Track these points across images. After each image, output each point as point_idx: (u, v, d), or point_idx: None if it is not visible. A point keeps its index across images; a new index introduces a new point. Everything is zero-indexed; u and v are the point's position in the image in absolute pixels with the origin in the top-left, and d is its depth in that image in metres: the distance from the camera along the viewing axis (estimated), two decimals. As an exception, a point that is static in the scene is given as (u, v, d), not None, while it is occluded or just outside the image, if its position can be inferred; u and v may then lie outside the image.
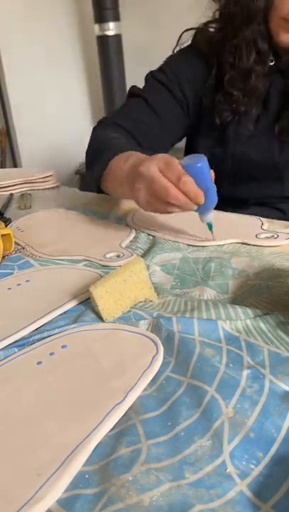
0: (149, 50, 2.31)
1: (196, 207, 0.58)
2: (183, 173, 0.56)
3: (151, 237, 0.70)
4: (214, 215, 0.64)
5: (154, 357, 0.40)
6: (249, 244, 0.64)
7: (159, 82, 0.86)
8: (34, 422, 0.35)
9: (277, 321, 0.45)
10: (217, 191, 0.61)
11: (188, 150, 0.94)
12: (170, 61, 0.89)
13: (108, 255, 0.64)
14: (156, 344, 0.42)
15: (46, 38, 2.34)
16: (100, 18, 2.17)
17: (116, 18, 2.19)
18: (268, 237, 0.65)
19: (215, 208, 0.62)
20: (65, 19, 2.41)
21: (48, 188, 1.05)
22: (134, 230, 0.72)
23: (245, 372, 0.38)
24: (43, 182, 1.06)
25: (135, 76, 2.48)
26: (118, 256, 0.64)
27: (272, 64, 0.79)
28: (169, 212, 0.60)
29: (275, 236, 0.65)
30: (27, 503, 0.28)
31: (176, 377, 0.38)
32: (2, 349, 0.45)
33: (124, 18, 2.24)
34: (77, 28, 2.47)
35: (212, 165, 0.59)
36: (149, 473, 0.30)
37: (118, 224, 0.77)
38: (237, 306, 0.47)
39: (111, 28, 2.18)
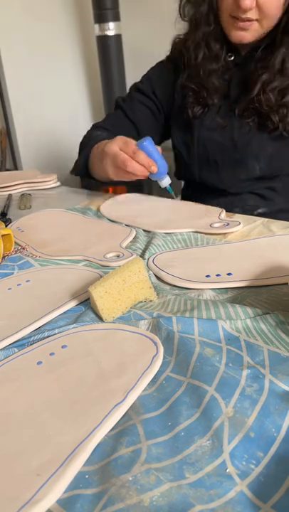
0: (149, 50, 2.31)
1: (148, 173, 0.78)
2: (136, 149, 0.76)
3: (148, 235, 0.70)
4: (177, 205, 0.83)
5: (154, 357, 0.40)
6: (201, 233, 0.70)
7: (137, 90, 1.01)
8: (34, 422, 0.35)
9: (277, 321, 0.45)
10: (191, 178, 0.91)
11: (173, 144, 1.03)
12: (148, 72, 1.04)
13: (108, 255, 0.64)
14: (156, 344, 0.42)
15: (46, 38, 2.34)
16: (100, 18, 2.17)
17: (116, 18, 2.18)
18: (219, 227, 0.71)
19: (194, 199, 0.82)
20: (65, 19, 2.41)
21: (48, 188, 1.05)
22: (134, 230, 0.72)
23: (245, 372, 0.38)
24: (43, 182, 1.06)
25: (135, 76, 2.47)
26: (118, 256, 0.64)
27: (231, 59, 0.88)
28: (131, 179, 0.81)
29: (226, 224, 0.72)
30: (27, 503, 0.28)
31: (176, 377, 0.38)
32: (2, 349, 0.45)
33: (124, 18, 2.23)
34: (77, 28, 2.47)
35: (186, 152, 0.93)
36: (149, 473, 0.30)
37: (118, 224, 0.77)
38: (237, 306, 0.47)
39: (111, 28, 2.18)
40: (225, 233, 0.70)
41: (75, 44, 2.49)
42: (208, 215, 0.76)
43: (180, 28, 0.92)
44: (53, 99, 2.45)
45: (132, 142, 0.77)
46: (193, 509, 0.27)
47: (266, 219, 0.74)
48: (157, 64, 1.02)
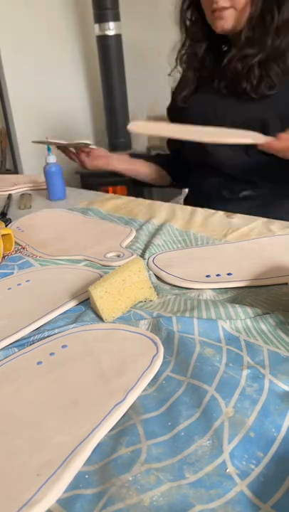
0: (149, 50, 2.31)
1: None
2: None
3: (148, 234, 0.70)
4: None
5: (154, 357, 0.40)
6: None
7: None
8: (34, 422, 0.35)
9: (277, 321, 0.45)
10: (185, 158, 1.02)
11: None
12: None
13: (108, 255, 0.64)
14: (156, 344, 0.42)
15: (46, 38, 2.34)
16: (100, 18, 2.17)
17: (116, 18, 2.18)
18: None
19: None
20: (65, 19, 2.41)
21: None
22: (134, 230, 0.72)
23: (245, 372, 0.38)
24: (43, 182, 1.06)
25: (135, 76, 2.47)
26: (118, 256, 0.64)
27: (225, 50, 0.95)
28: None
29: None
30: (27, 503, 0.28)
31: (176, 377, 0.38)
32: (2, 349, 0.45)
33: (124, 18, 2.23)
34: (77, 28, 2.47)
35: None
36: (149, 473, 0.30)
37: (118, 224, 0.77)
38: (237, 306, 0.47)
39: (111, 28, 2.18)
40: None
41: (75, 44, 2.49)
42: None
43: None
44: (53, 99, 2.45)
45: None
46: (193, 509, 0.27)
47: (266, 219, 0.74)
48: None
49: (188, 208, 0.86)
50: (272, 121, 0.88)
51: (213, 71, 0.97)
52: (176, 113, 1.02)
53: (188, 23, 0.95)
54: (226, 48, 0.95)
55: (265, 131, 0.85)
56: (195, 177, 1.03)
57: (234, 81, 0.90)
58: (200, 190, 1.01)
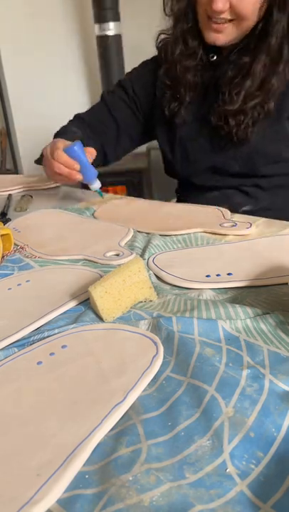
0: (149, 50, 2.31)
1: (79, 176, 0.80)
2: (56, 150, 0.78)
3: (147, 235, 0.71)
4: (178, 207, 0.84)
5: (154, 357, 0.40)
6: (214, 234, 0.70)
7: (119, 85, 1.01)
8: (34, 422, 0.35)
9: (277, 321, 0.45)
10: (176, 176, 0.95)
11: (158, 142, 1.02)
12: (133, 69, 1.03)
13: (108, 254, 0.64)
14: (156, 344, 0.42)
15: (46, 37, 2.34)
16: (100, 18, 2.16)
17: (116, 18, 2.18)
18: (229, 227, 0.71)
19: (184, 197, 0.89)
20: (65, 19, 2.40)
21: (47, 188, 1.05)
22: (132, 229, 0.72)
23: (245, 372, 0.38)
24: (42, 182, 1.06)
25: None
26: (117, 255, 0.64)
27: (214, 59, 0.86)
28: (67, 181, 0.85)
29: (234, 225, 0.71)
30: (27, 503, 0.28)
31: (176, 377, 0.38)
32: (2, 349, 0.45)
33: (124, 18, 2.23)
34: (77, 28, 2.47)
35: (169, 150, 0.94)
36: (149, 473, 0.30)
37: (116, 223, 0.77)
38: (237, 306, 0.47)
39: (111, 28, 2.18)
40: (241, 235, 0.69)
41: (75, 44, 2.49)
42: (216, 215, 0.76)
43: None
44: (53, 99, 2.45)
45: (59, 144, 0.79)
46: (193, 509, 0.27)
47: (266, 219, 0.74)
48: (142, 63, 1.02)
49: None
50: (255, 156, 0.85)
51: (202, 86, 0.88)
52: (162, 119, 0.95)
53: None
54: (214, 58, 0.86)
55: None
56: (193, 194, 0.98)
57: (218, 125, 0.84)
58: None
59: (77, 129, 0.99)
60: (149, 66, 0.98)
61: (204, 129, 0.89)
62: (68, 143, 0.81)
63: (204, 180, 0.95)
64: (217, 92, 0.85)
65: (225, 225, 0.72)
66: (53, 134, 1.00)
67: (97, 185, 0.85)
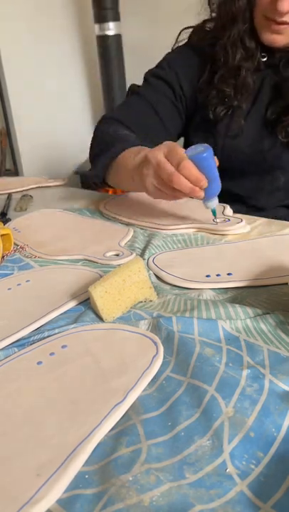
0: (149, 50, 2.30)
1: (202, 193, 0.61)
2: (183, 158, 0.58)
3: (147, 235, 0.71)
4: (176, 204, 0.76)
5: (154, 357, 0.40)
6: (214, 234, 0.70)
7: (159, 78, 0.88)
8: (34, 422, 0.35)
9: (277, 321, 0.45)
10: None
11: (184, 146, 0.95)
12: (168, 58, 0.91)
13: (108, 254, 0.64)
14: (156, 344, 0.42)
15: (46, 37, 2.34)
16: (100, 18, 2.16)
17: (116, 18, 2.18)
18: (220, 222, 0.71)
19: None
20: (65, 19, 2.40)
21: (47, 187, 1.05)
22: (132, 229, 0.72)
23: (245, 372, 0.38)
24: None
25: (135, 76, 2.47)
26: (117, 255, 0.64)
27: (264, 60, 0.81)
28: (176, 198, 0.64)
29: (227, 220, 0.71)
30: (27, 503, 0.28)
31: (176, 377, 0.38)
32: (2, 349, 0.45)
33: (124, 18, 2.23)
34: (77, 28, 2.47)
35: None
36: (149, 473, 0.30)
37: (115, 223, 0.77)
38: (237, 306, 0.47)
39: (111, 28, 2.18)
40: (225, 231, 0.69)
41: (75, 44, 2.49)
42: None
43: (187, 22, 0.86)
44: (53, 99, 2.45)
45: (179, 149, 0.60)
46: (193, 509, 0.27)
47: (266, 219, 0.74)
48: (178, 51, 0.90)
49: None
50: None
51: (256, 90, 0.82)
52: (200, 119, 0.86)
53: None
54: (265, 58, 0.82)
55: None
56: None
57: None
58: None
59: (128, 131, 0.83)
60: (193, 58, 0.87)
61: (255, 138, 0.83)
62: (180, 148, 0.61)
63: (242, 190, 0.87)
64: (274, 96, 0.81)
65: (217, 220, 0.72)
66: (92, 140, 0.85)
67: (215, 202, 0.66)
